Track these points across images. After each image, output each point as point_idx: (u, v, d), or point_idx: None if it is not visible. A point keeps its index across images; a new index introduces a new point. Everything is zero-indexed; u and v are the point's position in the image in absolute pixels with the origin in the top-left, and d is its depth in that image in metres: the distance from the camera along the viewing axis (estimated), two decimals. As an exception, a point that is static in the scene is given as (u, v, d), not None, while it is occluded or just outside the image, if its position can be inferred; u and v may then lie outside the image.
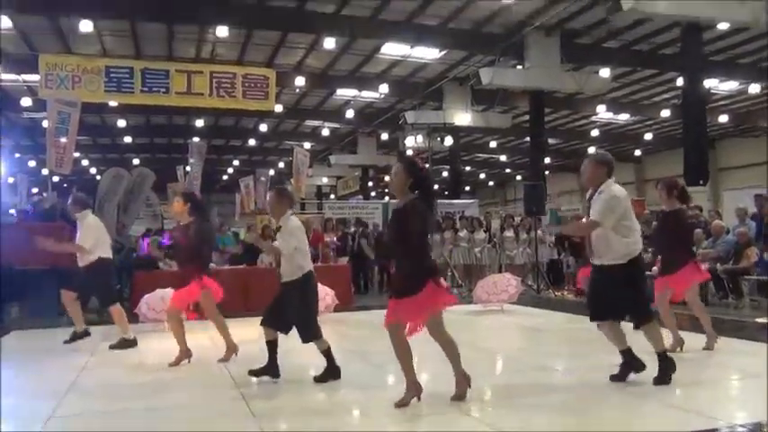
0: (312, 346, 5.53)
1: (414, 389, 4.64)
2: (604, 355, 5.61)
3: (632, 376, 5.14)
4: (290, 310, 5.47)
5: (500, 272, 12.95)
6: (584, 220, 5.40)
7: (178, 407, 4.98)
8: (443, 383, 4.88)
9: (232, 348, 6.56)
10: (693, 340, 6.57)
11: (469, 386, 4.75)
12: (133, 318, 8.98)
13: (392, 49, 18.64)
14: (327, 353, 5.55)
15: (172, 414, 4.78)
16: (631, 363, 5.15)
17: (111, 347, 7.44)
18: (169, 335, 6.71)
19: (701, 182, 13.69)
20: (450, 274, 13.82)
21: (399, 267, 4.70)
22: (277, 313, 5.50)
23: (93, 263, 7.32)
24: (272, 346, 5.58)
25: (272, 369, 5.56)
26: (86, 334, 7.61)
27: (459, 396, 4.72)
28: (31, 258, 9.59)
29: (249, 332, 6.84)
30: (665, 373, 5.02)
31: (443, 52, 18.83)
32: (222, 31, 15.80)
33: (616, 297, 5.03)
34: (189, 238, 6.39)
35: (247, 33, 17.25)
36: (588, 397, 4.92)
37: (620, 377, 5.16)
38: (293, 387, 5.44)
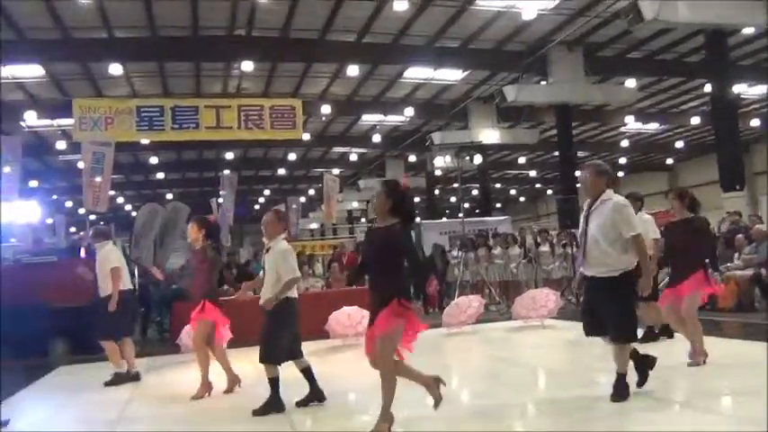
0: (361, 369, 5.46)
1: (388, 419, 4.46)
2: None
3: (682, 386, 5.03)
4: (282, 333, 5.46)
5: (537, 287, 12.82)
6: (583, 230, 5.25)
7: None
8: (486, 397, 4.83)
9: (206, 386, 6.38)
10: (736, 347, 6.40)
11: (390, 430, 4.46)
12: (175, 348, 9.09)
13: (415, 73, 18.80)
14: (274, 382, 5.46)
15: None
16: (642, 363, 5.07)
17: (107, 384, 7.32)
18: (211, 364, 6.76)
19: (738, 186, 13.46)
20: (487, 291, 13.70)
21: (375, 287, 4.57)
22: (285, 345, 5.49)
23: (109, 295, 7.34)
24: (306, 373, 5.59)
25: (315, 394, 5.56)
26: (132, 377, 7.53)
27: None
28: (71, 295, 9.80)
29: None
30: (620, 392, 4.89)
31: (466, 73, 18.94)
32: (247, 65, 16.12)
33: (606, 310, 4.94)
34: (202, 264, 6.49)
35: (272, 66, 17.56)
36: (635, 410, 4.80)
37: (641, 382, 5.06)
38: (338, 412, 5.44)
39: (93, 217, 18.28)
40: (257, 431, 5.01)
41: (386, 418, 4.40)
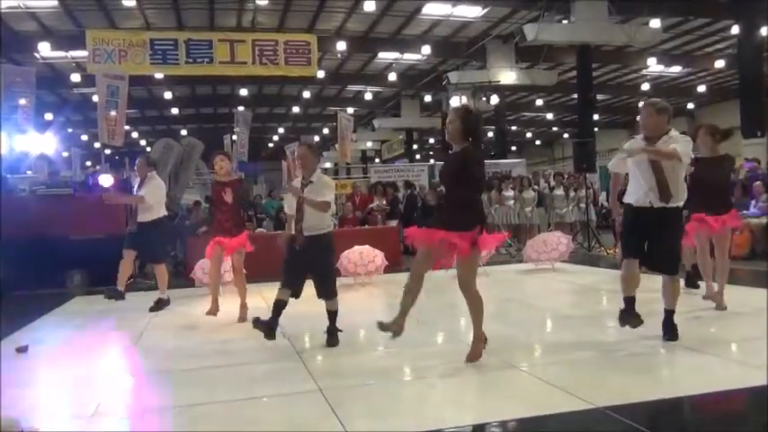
0: (372, 307, 5.54)
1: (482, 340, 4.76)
2: (660, 312, 5.49)
3: (686, 334, 5.07)
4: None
5: (549, 230, 12.82)
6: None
7: (238, 366, 5.08)
8: (493, 337, 4.88)
9: (245, 308, 6.84)
10: (748, 295, 6.40)
11: (485, 347, 4.76)
12: (189, 282, 9.25)
13: (433, 9, 18.37)
14: (334, 315, 5.63)
15: (233, 372, 4.89)
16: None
17: (151, 310, 7.67)
18: (223, 298, 6.88)
19: (759, 133, 13.22)
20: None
21: (453, 206, 4.65)
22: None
23: (156, 220, 7.71)
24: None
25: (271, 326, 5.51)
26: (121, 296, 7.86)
27: (473, 356, 4.68)
28: (87, 228, 9.95)
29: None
30: (669, 330, 5.12)
31: (486, 9, 18.46)
32: (262, -2, 15.82)
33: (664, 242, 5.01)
34: (236, 195, 6.83)
35: (287, 0, 17.19)
36: (641, 353, 4.85)
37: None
38: (349, 349, 5.52)
39: (108, 151, 18.32)
40: (268, 365, 5.10)
41: (477, 340, 4.73)
